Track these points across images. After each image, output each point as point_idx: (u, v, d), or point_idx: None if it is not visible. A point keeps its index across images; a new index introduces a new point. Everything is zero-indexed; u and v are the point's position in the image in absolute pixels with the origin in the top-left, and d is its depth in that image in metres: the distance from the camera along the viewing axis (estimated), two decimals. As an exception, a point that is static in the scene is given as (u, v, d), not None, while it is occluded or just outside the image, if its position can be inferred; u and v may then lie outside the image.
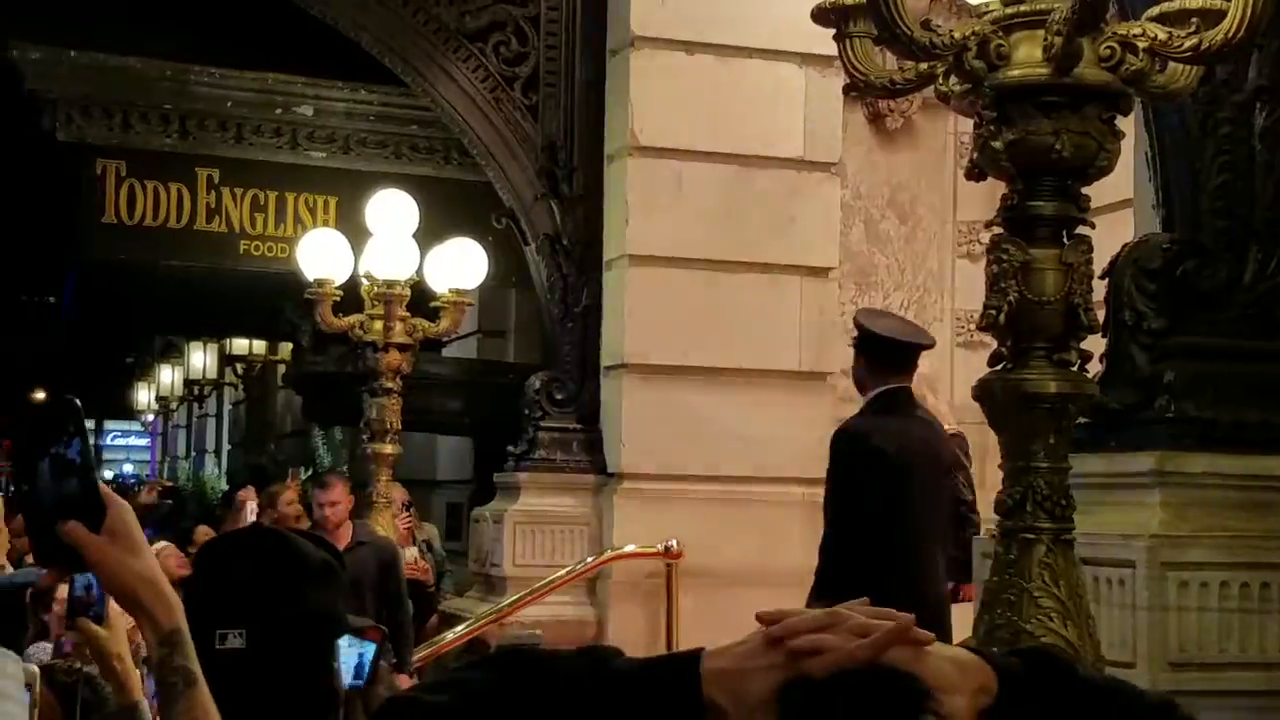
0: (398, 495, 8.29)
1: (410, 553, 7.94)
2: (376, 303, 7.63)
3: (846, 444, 5.22)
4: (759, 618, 1.13)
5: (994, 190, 3.13)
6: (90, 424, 55.17)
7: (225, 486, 19.45)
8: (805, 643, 1.10)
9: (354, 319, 7.65)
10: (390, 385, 7.64)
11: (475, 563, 8.20)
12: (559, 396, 8.10)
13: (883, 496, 5.13)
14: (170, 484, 18.64)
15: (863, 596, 1.16)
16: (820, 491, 5.63)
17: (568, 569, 7.57)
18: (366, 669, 2.40)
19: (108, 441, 52.60)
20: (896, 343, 5.30)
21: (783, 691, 1.09)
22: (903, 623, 1.10)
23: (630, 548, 7.60)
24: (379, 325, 7.59)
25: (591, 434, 7.99)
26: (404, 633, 6.72)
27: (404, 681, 6.16)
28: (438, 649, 7.34)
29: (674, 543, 7.49)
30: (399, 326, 7.60)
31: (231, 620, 2.01)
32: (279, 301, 11.99)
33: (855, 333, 5.39)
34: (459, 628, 7.54)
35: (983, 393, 3.00)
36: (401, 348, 7.63)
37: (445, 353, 10.83)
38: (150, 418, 25.37)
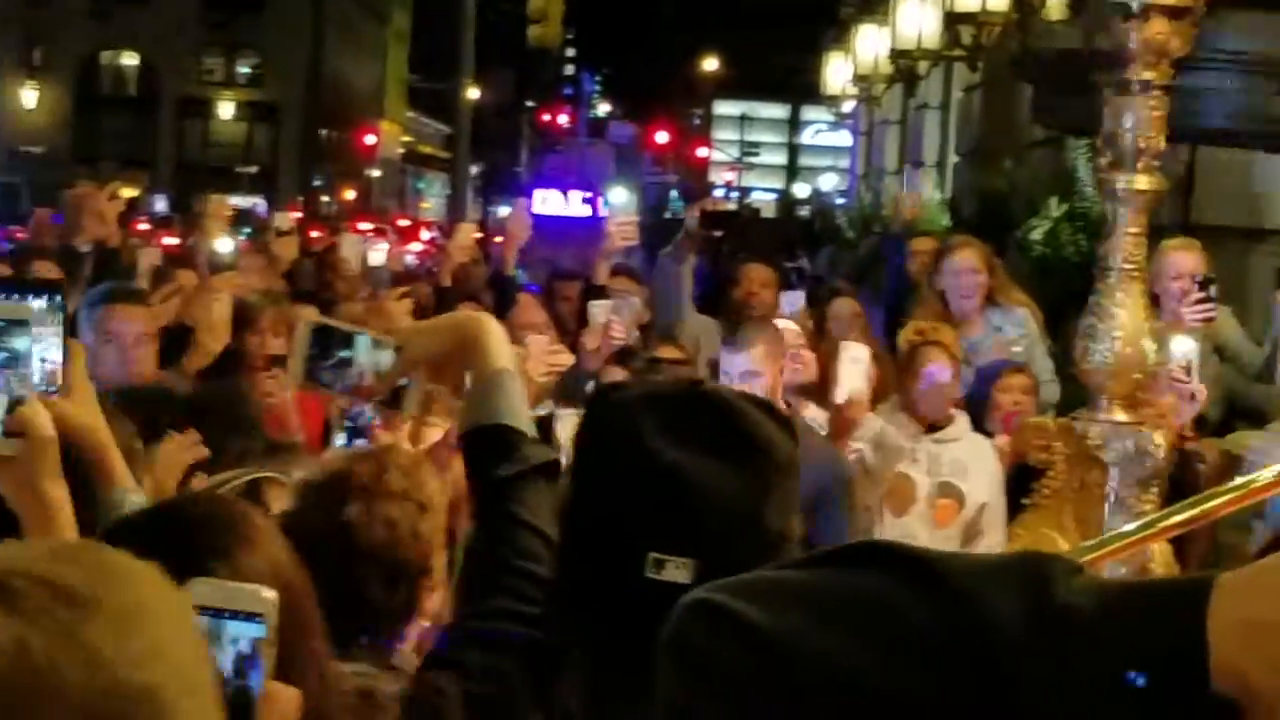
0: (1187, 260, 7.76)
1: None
2: (1138, -75, 6.98)
3: None
4: None
5: None
6: (785, 111, 58.89)
7: (946, 222, 18.17)
8: None
9: (1099, -46, 7.11)
10: (1149, 75, 6.74)
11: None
12: None
13: None
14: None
15: None
16: None
17: None
18: None
19: (806, 140, 55.11)
20: None
21: None
22: None
23: None
24: (1130, -32, 6.93)
25: None
26: None
27: None
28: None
29: None
30: (1167, -29, 6.94)
31: (674, 541, 2.08)
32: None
33: None
34: None
35: None
36: (1174, 12, 6.71)
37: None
38: (849, 106, 24.00)
